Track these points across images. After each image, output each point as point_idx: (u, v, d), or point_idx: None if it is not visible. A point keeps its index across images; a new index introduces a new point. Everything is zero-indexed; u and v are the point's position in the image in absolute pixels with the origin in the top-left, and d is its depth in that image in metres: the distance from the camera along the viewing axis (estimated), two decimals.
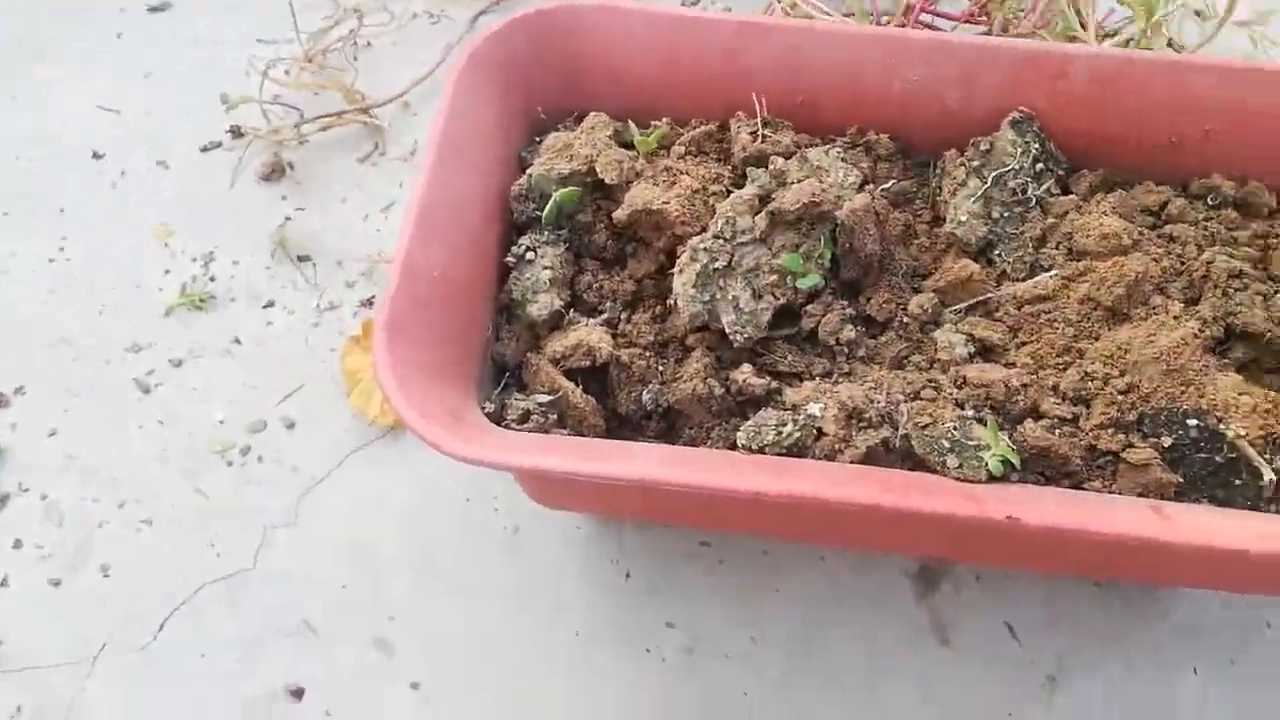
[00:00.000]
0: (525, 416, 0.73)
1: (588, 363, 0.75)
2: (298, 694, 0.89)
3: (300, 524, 0.98)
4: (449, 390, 0.69)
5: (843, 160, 0.80)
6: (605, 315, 0.79)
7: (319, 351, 1.07)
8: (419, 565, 0.95)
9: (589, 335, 0.75)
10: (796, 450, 0.70)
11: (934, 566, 0.93)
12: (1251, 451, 0.66)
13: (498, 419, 0.73)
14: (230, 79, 1.24)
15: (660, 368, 0.76)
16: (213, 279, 1.12)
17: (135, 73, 1.29)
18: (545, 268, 0.78)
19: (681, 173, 0.80)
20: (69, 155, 1.21)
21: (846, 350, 0.77)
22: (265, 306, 1.10)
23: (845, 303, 0.78)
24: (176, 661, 0.91)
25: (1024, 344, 0.76)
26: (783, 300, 0.77)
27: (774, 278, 0.76)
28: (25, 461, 1.01)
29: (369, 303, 1.10)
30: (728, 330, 0.75)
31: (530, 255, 0.79)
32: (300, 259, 1.14)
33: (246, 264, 1.13)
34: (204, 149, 1.22)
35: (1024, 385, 0.72)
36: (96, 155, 1.22)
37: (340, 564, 0.95)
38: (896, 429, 0.70)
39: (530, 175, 0.80)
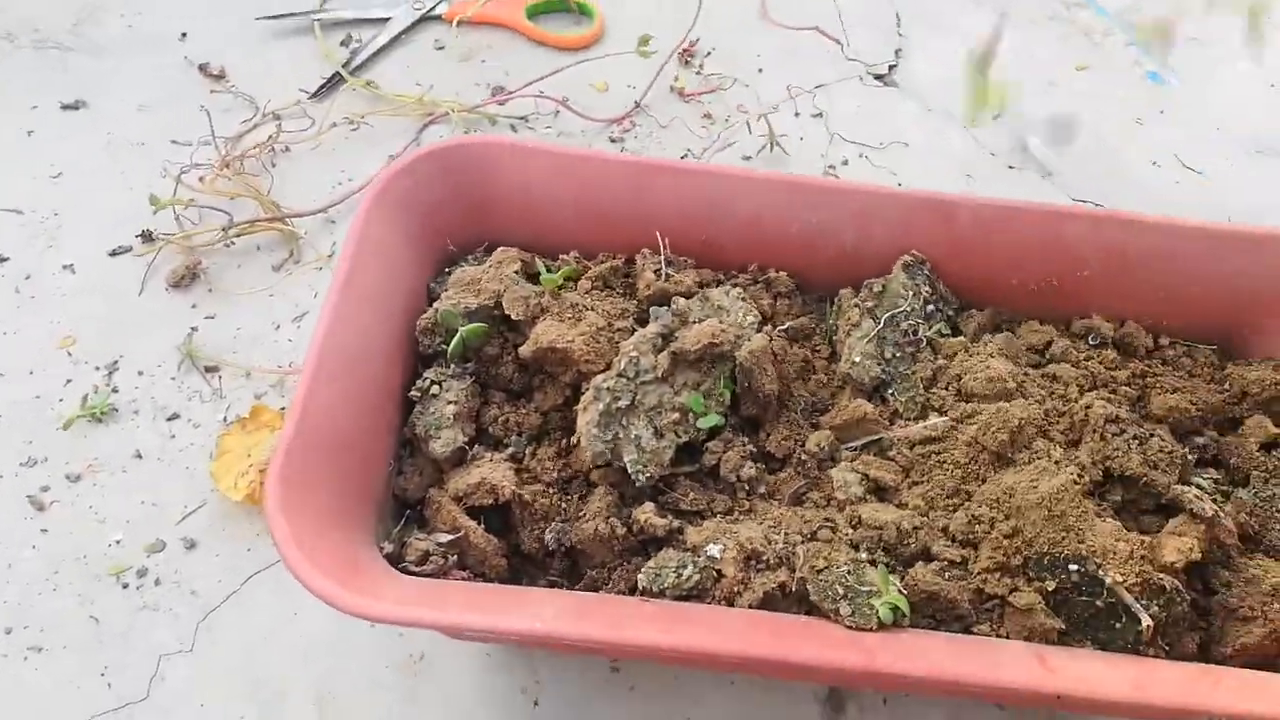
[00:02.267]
0: (424, 558, 0.72)
1: (490, 501, 0.75)
2: None
3: (197, 652, 0.95)
4: (348, 533, 0.69)
5: (742, 300, 0.82)
6: (510, 449, 0.79)
7: None
8: (321, 697, 0.92)
9: (491, 473, 0.75)
10: (696, 593, 0.71)
11: (841, 691, 0.94)
12: (1129, 598, 0.69)
13: (397, 559, 0.73)
14: (143, 182, 1.23)
15: (564, 505, 0.77)
16: (115, 390, 1.10)
17: (45, 172, 1.27)
18: (450, 403, 0.79)
19: (587, 308, 0.82)
20: None
21: (747, 487, 0.79)
22: (169, 419, 1.08)
23: (746, 439, 0.80)
24: None
25: (915, 484, 0.78)
26: (685, 438, 0.78)
27: (676, 416, 0.78)
28: None
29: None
30: (630, 469, 0.76)
31: (435, 390, 0.80)
32: (208, 369, 1.13)
33: (152, 374, 1.11)
34: (113, 253, 1.21)
35: (915, 528, 0.74)
36: (0, 258, 1.19)
37: (238, 696, 0.92)
38: (794, 572, 0.71)
39: (437, 310, 0.81)
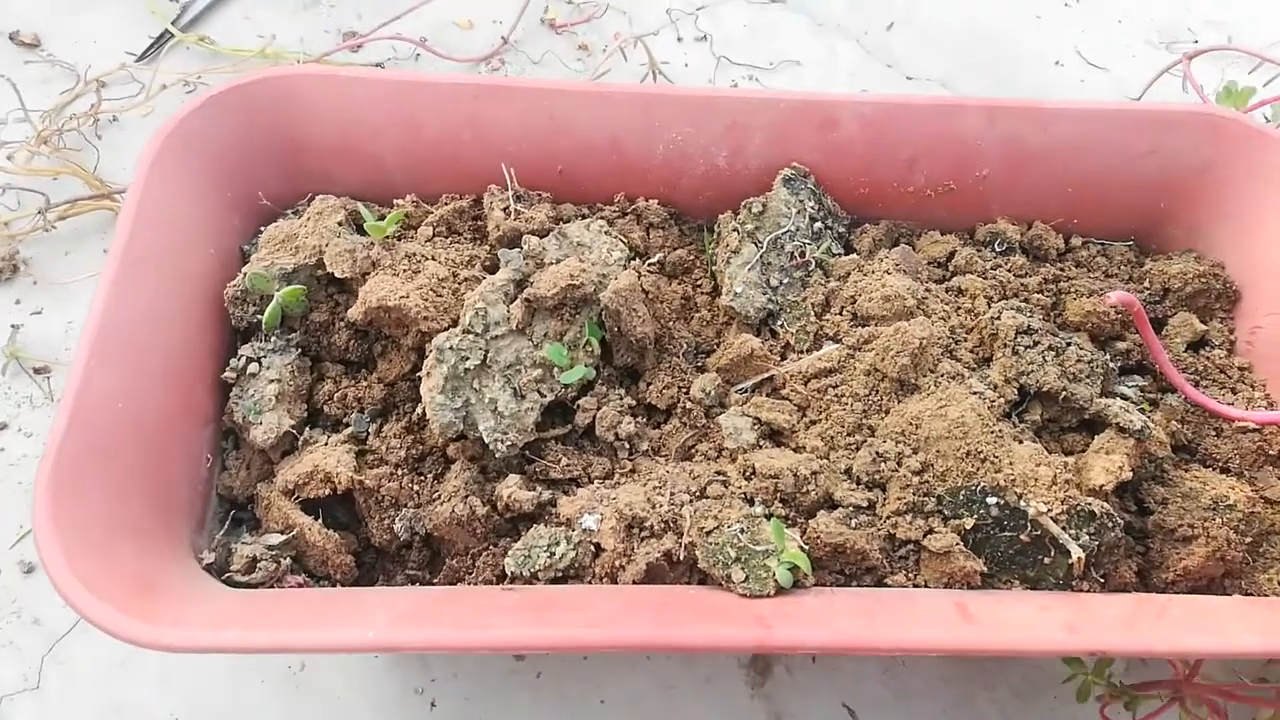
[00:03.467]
0: (252, 565, 0.62)
1: (327, 491, 0.64)
2: None
3: (44, 687, 0.83)
4: (146, 544, 0.58)
5: (605, 234, 0.72)
6: (351, 429, 0.69)
7: None
8: None
9: (326, 460, 0.64)
10: (574, 573, 0.62)
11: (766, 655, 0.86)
12: (1056, 528, 0.61)
13: (222, 569, 0.62)
14: None
15: (416, 488, 0.66)
16: None
17: None
18: (271, 381, 0.68)
19: (427, 258, 0.71)
20: None
21: (628, 445, 0.69)
22: None
23: (622, 392, 0.70)
24: None
25: (813, 423, 0.69)
26: (550, 397, 0.68)
27: (538, 372, 0.68)
28: None
29: None
30: (487, 439, 0.66)
31: (253, 368, 0.68)
32: (37, 371, 1.00)
33: None
34: None
35: (814, 473, 0.65)
36: None
37: None
38: (681, 536, 0.62)
39: (245, 275, 0.69)
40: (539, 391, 0.68)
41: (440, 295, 0.69)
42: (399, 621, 0.53)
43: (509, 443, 0.66)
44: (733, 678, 0.86)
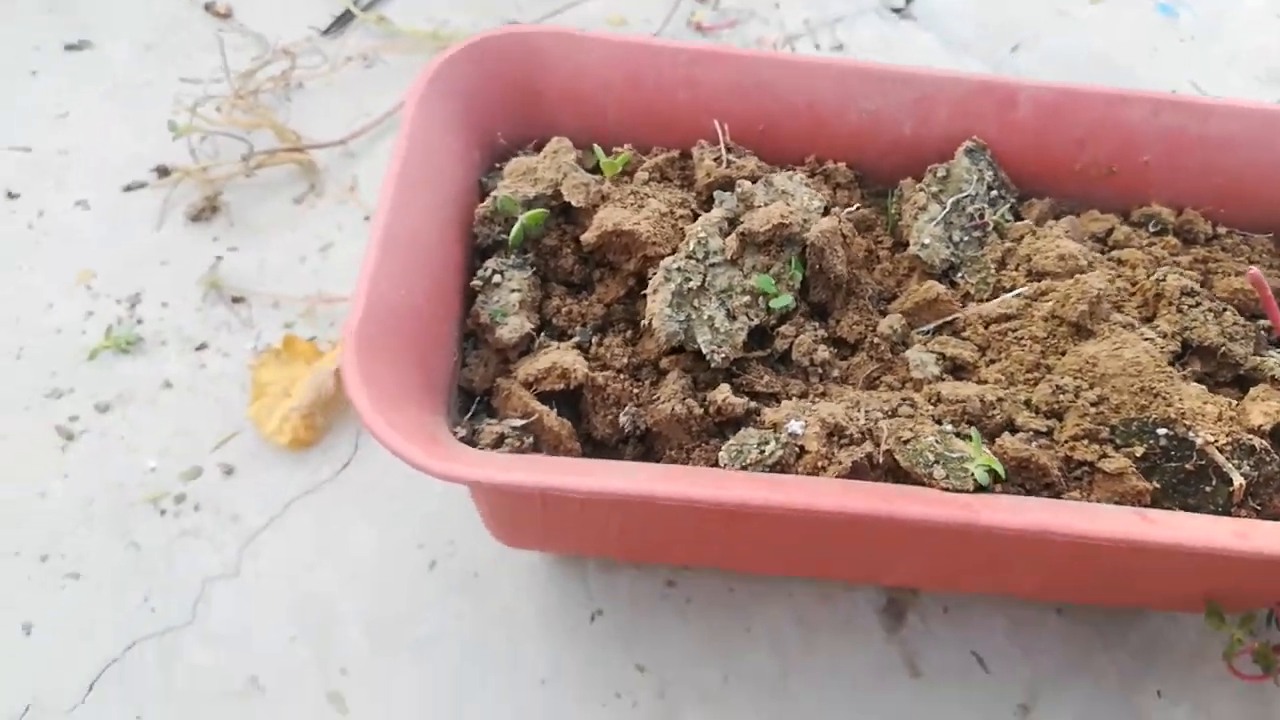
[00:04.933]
0: (499, 441, 0.70)
1: (562, 386, 0.73)
2: None
3: (242, 576, 0.92)
4: (423, 410, 0.66)
5: (807, 185, 0.81)
6: (576, 339, 0.77)
7: None
8: (371, 616, 0.90)
9: (563, 358, 0.73)
10: (780, 468, 0.69)
11: (900, 599, 0.92)
12: (1220, 458, 0.68)
13: (470, 445, 0.70)
14: (153, 121, 1.19)
15: (636, 390, 0.75)
16: (140, 321, 1.07)
17: (51, 112, 1.23)
18: (514, 290, 0.76)
19: (649, 196, 0.80)
20: None
21: (820, 371, 0.77)
22: (198, 349, 1.05)
23: (817, 324, 0.78)
24: None
25: (993, 361, 0.77)
26: (756, 321, 0.76)
27: (747, 298, 0.76)
28: None
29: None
30: (704, 349, 0.74)
31: (497, 279, 0.77)
32: (234, 300, 1.09)
33: (176, 306, 1.08)
34: (127, 188, 1.17)
35: (998, 400, 0.73)
36: (11, 195, 1.15)
37: (287, 617, 0.89)
38: (879, 445, 0.70)
39: (495, 198, 0.78)
40: (748, 314, 0.76)
41: (663, 227, 0.77)
42: (659, 479, 0.61)
43: (723, 355, 0.74)
44: (869, 621, 0.92)
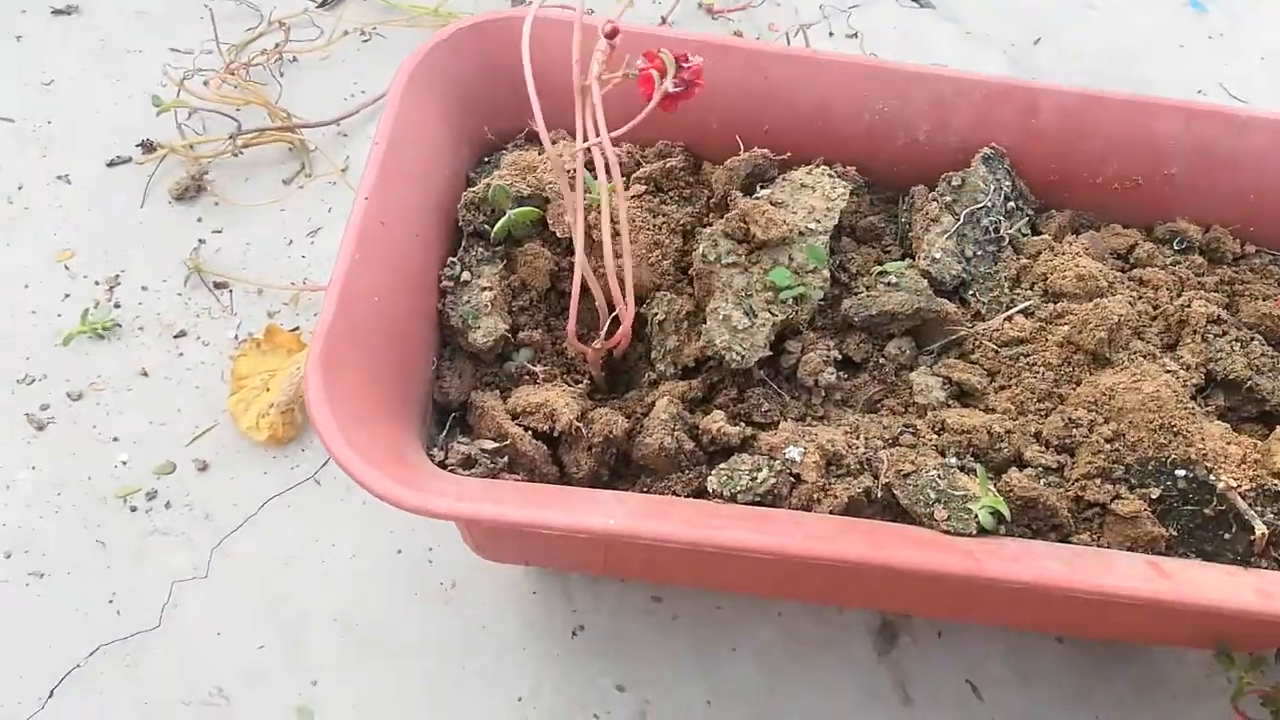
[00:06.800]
0: (469, 463, 0.66)
1: (546, 427, 0.68)
2: None
3: (212, 578, 0.88)
4: (392, 429, 0.62)
5: (829, 175, 0.76)
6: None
7: None
8: (345, 624, 0.86)
9: (556, 400, 0.68)
10: (771, 498, 0.65)
11: (894, 621, 0.89)
12: (1243, 504, 0.64)
13: (440, 465, 0.67)
14: (141, 91, 1.15)
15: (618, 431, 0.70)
16: (118, 305, 1.03)
17: (35, 79, 1.18)
18: (484, 289, 0.72)
19: (639, 226, 0.75)
20: None
21: (824, 393, 0.72)
22: (177, 336, 1.01)
23: (832, 343, 0.74)
24: None
25: (1003, 388, 0.72)
26: (780, 316, 0.72)
27: (767, 295, 0.72)
28: None
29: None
30: (721, 351, 0.70)
31: (466, 276, 0.73)
32: (217, 285, 1.05)
33: (156, 290, 1.04)
34: (111, 164, 1.13)
35: (1006, 432, 0.68)
36: None
37: (257, 623, 0.86)
38: (878, 478, 0.66)
39: (489, 185, 0.74)
40: (770, 311, 0.71)
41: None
42: (635, 515, 0.57)
43: (741, 355, 0.70)
44: (860, 643, 0.89)
